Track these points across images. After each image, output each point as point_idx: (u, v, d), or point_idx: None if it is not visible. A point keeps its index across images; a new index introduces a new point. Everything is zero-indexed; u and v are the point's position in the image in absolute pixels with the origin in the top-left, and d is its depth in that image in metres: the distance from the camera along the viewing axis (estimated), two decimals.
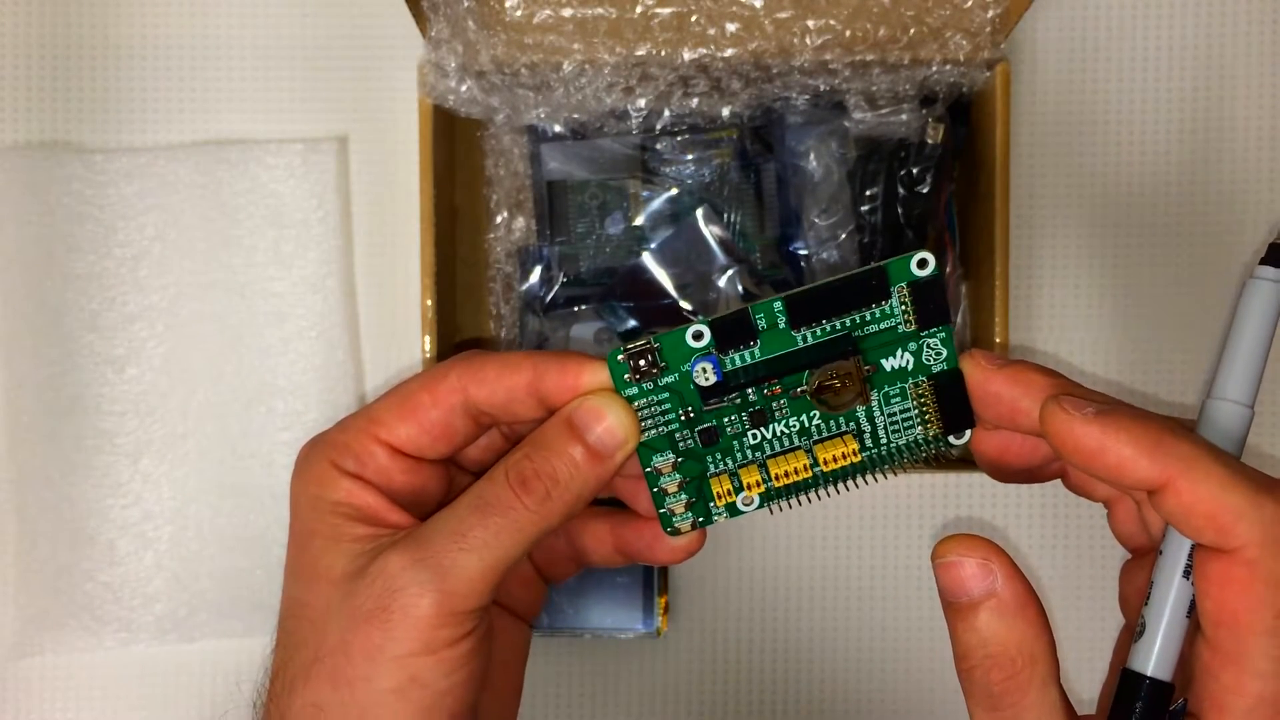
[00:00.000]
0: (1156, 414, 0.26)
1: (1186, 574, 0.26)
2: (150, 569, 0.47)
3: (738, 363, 0.30)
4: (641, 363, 0.29)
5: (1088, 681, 0.46)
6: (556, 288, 0.46)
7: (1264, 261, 0.28)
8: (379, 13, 0.49)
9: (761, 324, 0.29)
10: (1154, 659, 0.27)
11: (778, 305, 0.29)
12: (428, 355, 0.44)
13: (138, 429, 0.48)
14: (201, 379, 0.48)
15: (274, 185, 0.48)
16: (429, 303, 0.43)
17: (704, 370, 0.29)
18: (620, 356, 0.29)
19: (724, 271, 0.45)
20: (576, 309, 0.46)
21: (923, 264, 0.29)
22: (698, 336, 0.29)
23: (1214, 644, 0.25)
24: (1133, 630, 0.28)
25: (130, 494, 0.47)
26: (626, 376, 0.30)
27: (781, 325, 0.29)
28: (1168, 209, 0.49)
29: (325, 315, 0.48)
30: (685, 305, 0.45)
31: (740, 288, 0.45)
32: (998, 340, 0.43)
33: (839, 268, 0.45)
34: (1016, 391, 0.28)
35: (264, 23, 0.49)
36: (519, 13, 0.43)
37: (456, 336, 0.47)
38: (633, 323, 0.46)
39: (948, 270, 0.45)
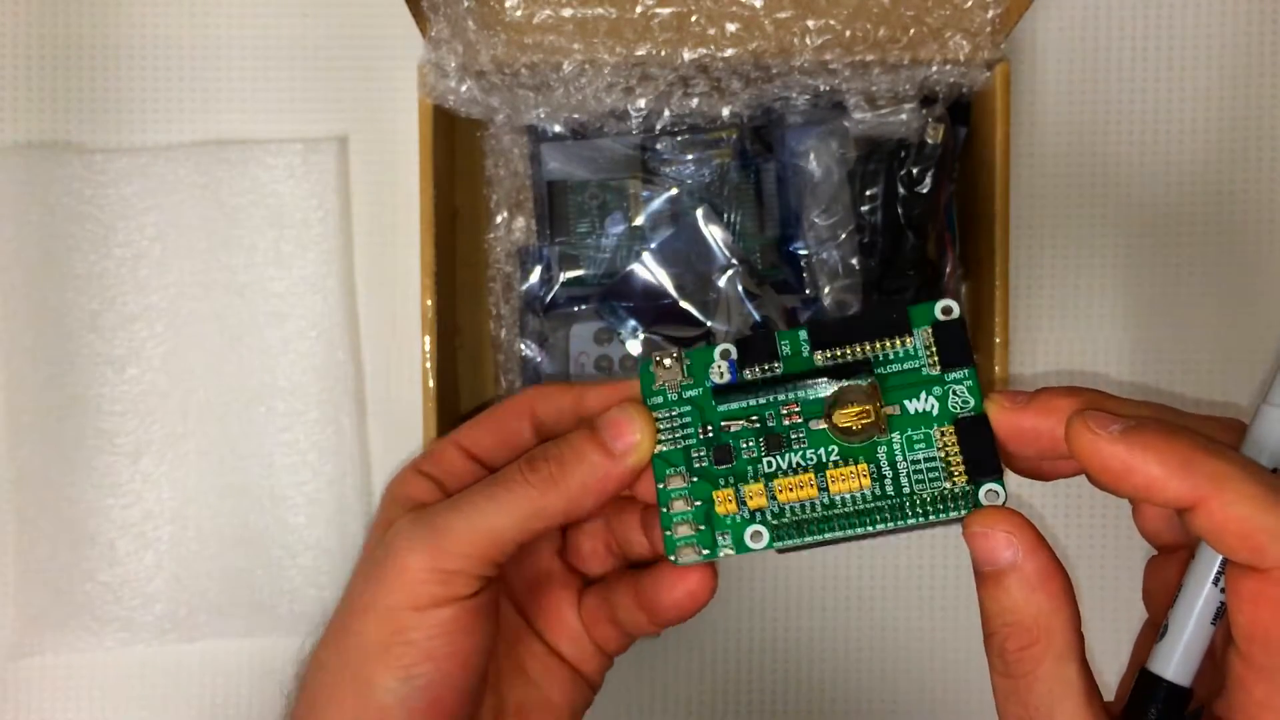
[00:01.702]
0: (1189, 428, 0.26)
1: (1216, 581, 0.26)
2: (150, 569, 0.47)
3: (754, 375, 0.31)
4: (667, 361, 0.31)
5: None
6: (556, 288, 0.46)
7: None
8: (379, 13, 0.49)
9: (786, 350, 0.31)
10: (1174, 663, 0.27)
11: (802, 334, 0.30)
12: (428, 355, 0.44)
13: (138, 429, 0.48)
14: (201, 379, 0.48)
15: (274, 185, 0.48)
16: (429, 303, 0.43)
17: (720, 371, 0.31)
18: (651, 366, 0.31)
19: (724, 271, 0.45)
20: (576, 309, 0.46)
21: (947, 310, 0.30)
22: (725, 355, 0.31)
23: (1247, 658, 0.25)
24: (1155, 626, 0.28)
25: (130, 494, 0.47)
26: (654, 385, 0.31)
27: (805, 353, 0.30)
28: (1168, 208, 0.49)
29: (325, 315, 0.48)
30: (685, 305, 0.45)
31: (740, 288, 0.45)
32: (998, 340, 0.43)
33: (839, 268, 0.45)
34: (1051, 421, 0.28)
35: (264, 23, 0.49)
36: (519, 13, 0.43)
37: (456, 337, 0.47)
38: (632, 323, 0.46)
39: (948, 270, 0.45)
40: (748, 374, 0.31)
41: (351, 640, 0.30)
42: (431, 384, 0.44)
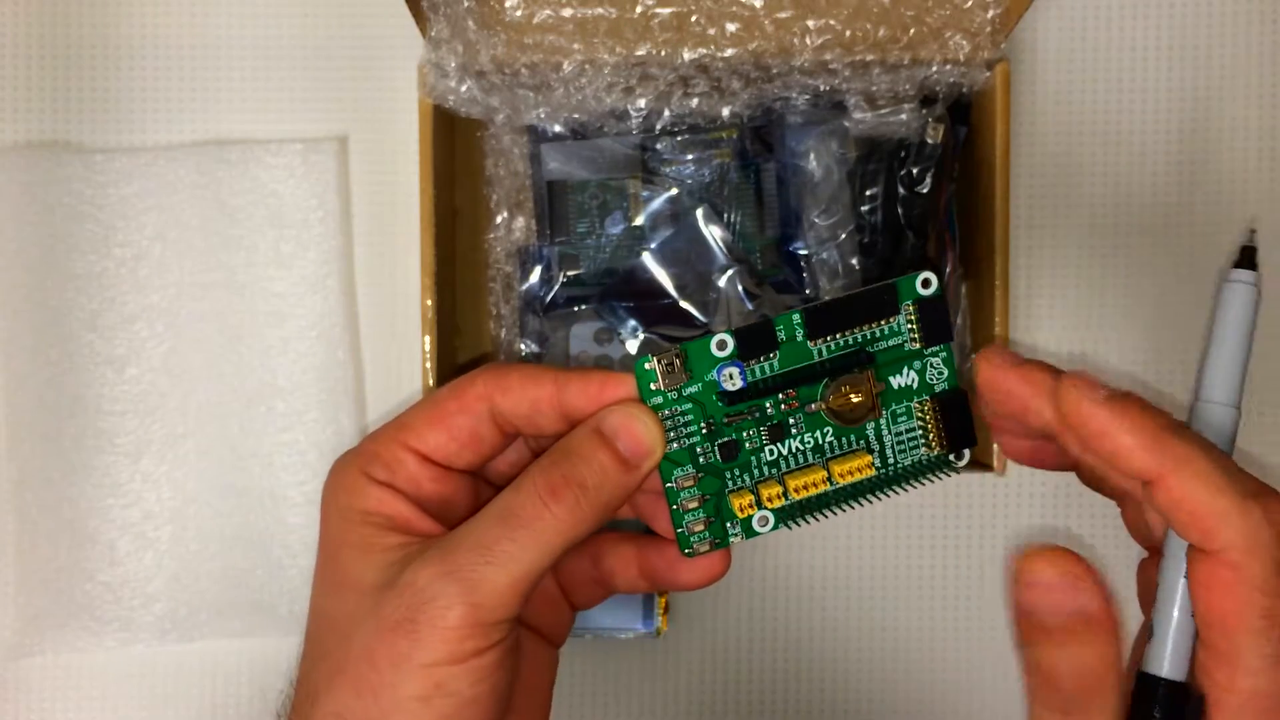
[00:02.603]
0: (1166, 412, 0.27)
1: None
2: (150, 569, 0.47)
3: (760, 373, 0.31)
4: (670, 368, 0.30)
5: None
6: (556, 288, 0.46)
7: (1237, 265, 0.29)
8: (379, 13, 0.49)
9: (781, 335, 0.30)
10: (1166, 661, 0.27)
11: (796, 318, 0.30)
12: (428, 355, 0.44)
13: (138, 429, 0.48)
14: (201, 379, 0.48)
15: (274, 185, 0.48)
16: (429, 303, 0.43)
17: (730, 375, 0.30)
18: (648, 365, 0.30)
19: (724, 271, 0.45)
20: (576, 309, 0.46)
21: (926, 283, 0.31)
22: (721, 345, 0.30)
23: (1207, 642, 0.25)
24: (1147, 629, 0.28)
25: (130, 494, 0.47)
26: (653, 385, 0.30)
27: (799, 338, 0.31)
28: (1167, 208, 0.49)
29: (325, 315, 0.48)
30: (685, 305, 0.45)
31: (740, 288, 0.45)
32: (998, 340, 0.43)
33: (839, 268, 0.45)
34: (1028, 391, 0.29)
35: (264, 23, 0.49)
36: (519, 13, 0.43)
37: (456, 337, 0.47)
38: (632, 323, 0.46)
39: (948, 270, 0.45)
40: (756, 370, 0.30)
41: (385, 694, 0.28)
42: (431, 384, 0.44)
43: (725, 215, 0.46)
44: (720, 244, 0.45)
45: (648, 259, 0.46)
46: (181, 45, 0.49)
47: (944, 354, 0.31)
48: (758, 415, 0.31)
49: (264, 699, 0.49)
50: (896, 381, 0.31)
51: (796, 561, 0.49)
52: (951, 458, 0.32)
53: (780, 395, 0.31)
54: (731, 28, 0.43)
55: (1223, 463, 0.25)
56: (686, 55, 0.43)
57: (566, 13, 0.43)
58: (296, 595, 0.47)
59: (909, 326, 0.31)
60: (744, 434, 0.31)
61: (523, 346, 0.47)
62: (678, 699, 0.49)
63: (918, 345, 0.31)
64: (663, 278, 0.45)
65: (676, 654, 0.49)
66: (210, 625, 0.48)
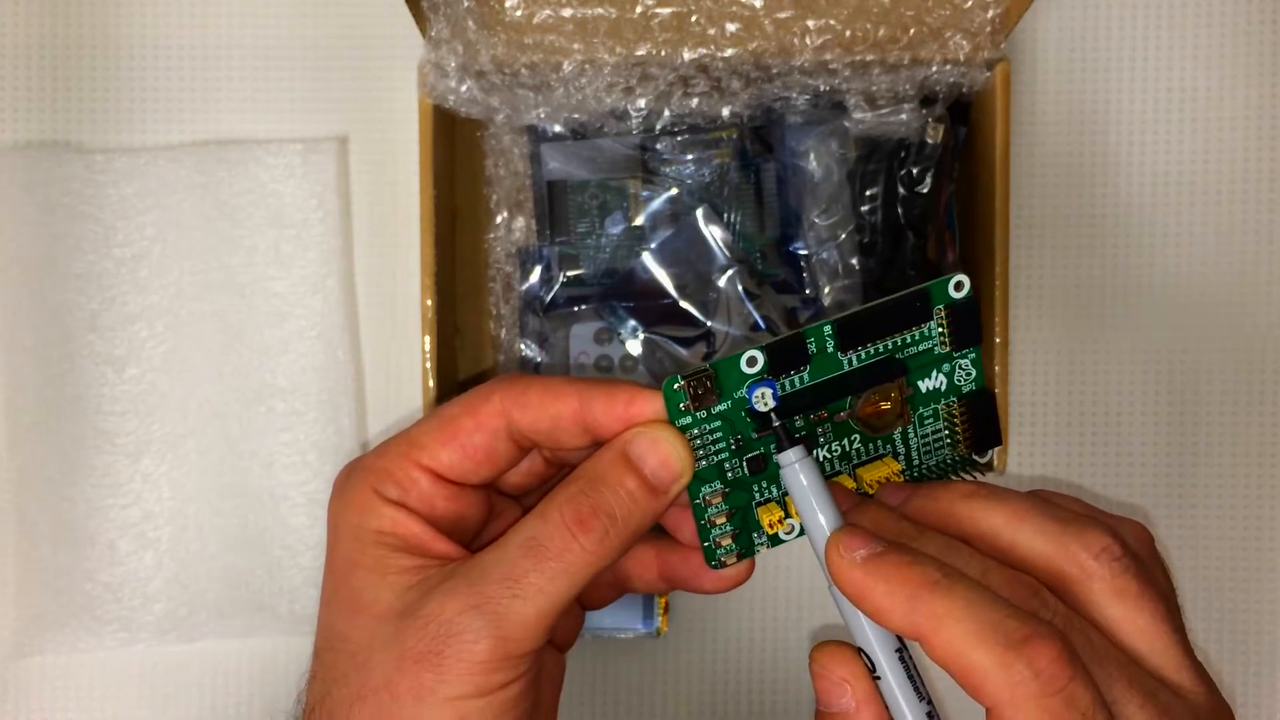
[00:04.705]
0: (930, 561, 0.26)
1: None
2: (150, 569, 0.47)
3: (790, 388, 0.30)
4: (699, 390, 0.29)
5: None
6: (556, 288, 0.46)
7: (779, 449, 0.29)
8: (379, 13, 0.49)
9: (812, 348, 0.30)
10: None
11: (828, 329, 0.30)
12: (428, 355, 0.44)
13: (138, 429, 0.48)
14: (201, 379, 0.48)
15: (274, 185, 0.48)
16: (429, 303, 0.43)
17: (763, 396, 0.29)
18: (676, 385, 0.29)
19: (724, 271, 0.45)
20: (576, 309, 0.46)
21: (959, 286, 0.30)
22: (751, 362, 0.29)
23: None
24: None
25: (130, 494, 0.47)
26: (682, 405, 0.29)
27: (830, 349, 0.30)
28: (1167, 208, 0.49)
29: (325, 315, 0.48)
30: (685, 305, 0.45)
31: (740, 288, 0.45)
32: (998, 340, 0.43)
33: (839, 268, 0.46)
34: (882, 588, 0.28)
35: (264, 23, 0.49)
36: (519, 13, 0.43)
37: (456, 337, 0.47)
38: (632, 323, 0.46)
39: (949, 270, 0.45)
40: (786, 385, 0.30)
41: None
42: (431, 384, 0.44)
43: (725, 215, 0.46)
44: (720, 244, 0.45)
45: (648, 259, 0.46)
46: (181, 45, 0.49)
47: (973, 355, 0.31)
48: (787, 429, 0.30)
49: (264, 699, 0.49)
50: (925, 385, 0.31)
51: (797, 560, 0.49)
52: (975, 457, 0.32)
53: (811, 412, 0.30)
54: (731, 28, 0.43)
55: (985, 614, 0.25)
56: (686, 55, 0.43)
57: (566, 13, 0.43)
58: (296, 595, 0.47)
59: (939, 331, 0.30)
60: (773, 448, 0.30)
61: (523, 346, 0.47)
62: (678, 699, 0.49)
63: (947, 349, 0.31)
64: (663, 278, 0.45)
65: (676, 654, 0.49)
66: (210, 625, 0.48)
